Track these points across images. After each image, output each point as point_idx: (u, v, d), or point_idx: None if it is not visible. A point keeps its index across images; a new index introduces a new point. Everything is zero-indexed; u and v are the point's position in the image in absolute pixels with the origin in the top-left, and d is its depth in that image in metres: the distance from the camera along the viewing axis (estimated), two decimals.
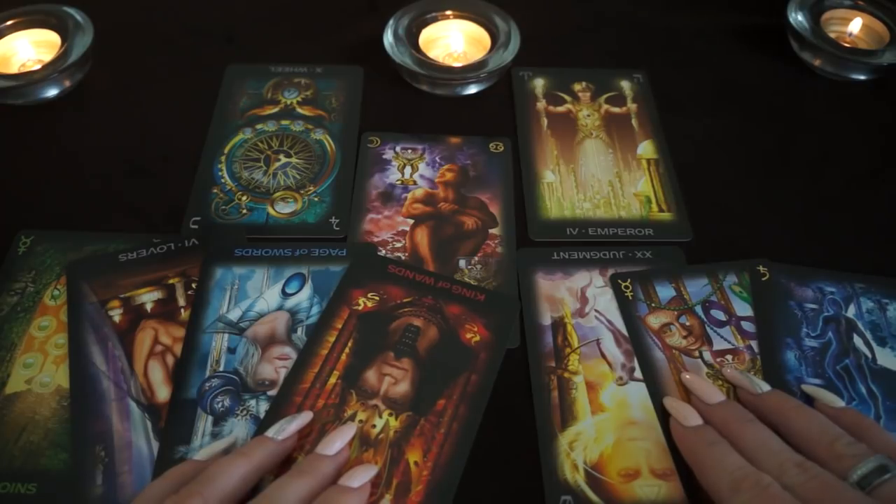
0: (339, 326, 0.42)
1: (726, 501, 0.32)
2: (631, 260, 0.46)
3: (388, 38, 0.55)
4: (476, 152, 0.52)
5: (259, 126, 0.53)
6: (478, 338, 0.41)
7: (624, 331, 0.42)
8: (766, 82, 0.58)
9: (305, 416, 0.37)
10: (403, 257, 0.46)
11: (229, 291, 0.43)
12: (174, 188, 0.49)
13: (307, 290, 0.43)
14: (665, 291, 0.44)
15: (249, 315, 0.42)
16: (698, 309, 0.43)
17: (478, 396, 0.39)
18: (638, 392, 0.40)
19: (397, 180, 0.50)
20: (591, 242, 0.47)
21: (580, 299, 0.44)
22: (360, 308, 0.43)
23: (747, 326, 0.43)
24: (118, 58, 0.57)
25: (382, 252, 0.46)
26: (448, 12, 0.58)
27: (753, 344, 0.42)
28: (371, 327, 0.42)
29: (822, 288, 0.44)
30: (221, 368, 0.40)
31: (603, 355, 0.42)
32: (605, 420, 0.39)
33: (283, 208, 0.48)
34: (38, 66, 0.54)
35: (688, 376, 0.40)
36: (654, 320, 0.43)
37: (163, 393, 0.39)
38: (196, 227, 0.47)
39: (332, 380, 0.40)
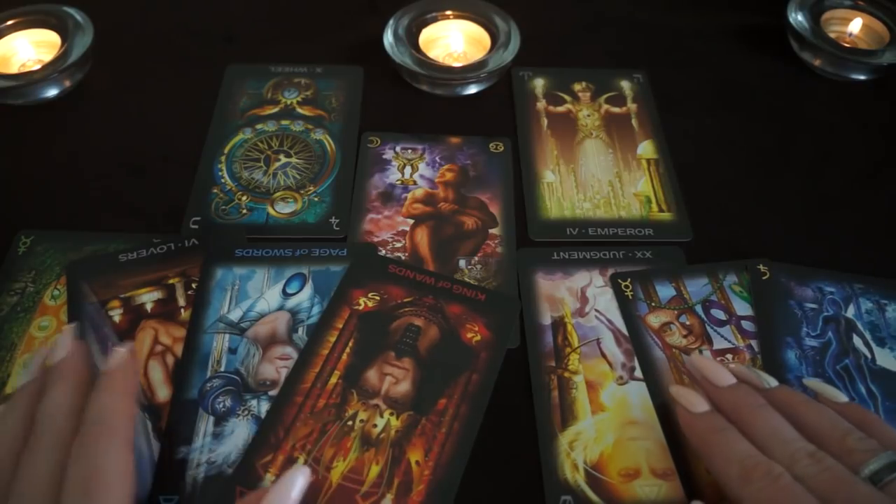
0: (340, 326, 0.42)
1: (736, 490, 0.32)
2: (631, 260, 0.46)
3: (388, 38, 0.55)
4: (476, 152, 0.52)
5: (259, 126, 0.53)
6: (478, 337, 0.42)
7: (624, 330, 0.43)
8: (766, 82, 0.58)
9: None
10: (403, 257, 0.46)
11: (230, 292, 0.43)
12: (174, 188, 0.49)
13: (308, 290, 0.44)
14: (665, 291, 0.44)
15: (250, 315, 0.42)
16: (698, 308, 0.43)
17: (479, 396, 0.39)
18: (638, 391, 0.40)
19: (397, 180, 0.50)
20: (591, 242, 0.47)
21: (580, 299, 0.44)
22: (360, 308, 0.43)
23: (747, 326, 0.43)
24: (118, 58, 0.57)
25: (382, 252, 0.46)
26: (448, 12, 0.58)
27: (753, 343, 0.42)
28: (372, 327, 0.42)
29: (822, 288, 0.44)
30: (222, 369, 0.40)
31: (603, 355, 0.42)
32: (605, 420, 0.39)
33: (283, 208, 0.48)
34: (38, 66, 0.54)
35: (695, 358, 0.38)
36: (655, 320, 0.43)
37: (163, 393, 0.39)
38: (196, 226, 0.47)
39: (333, 379, 0.40)
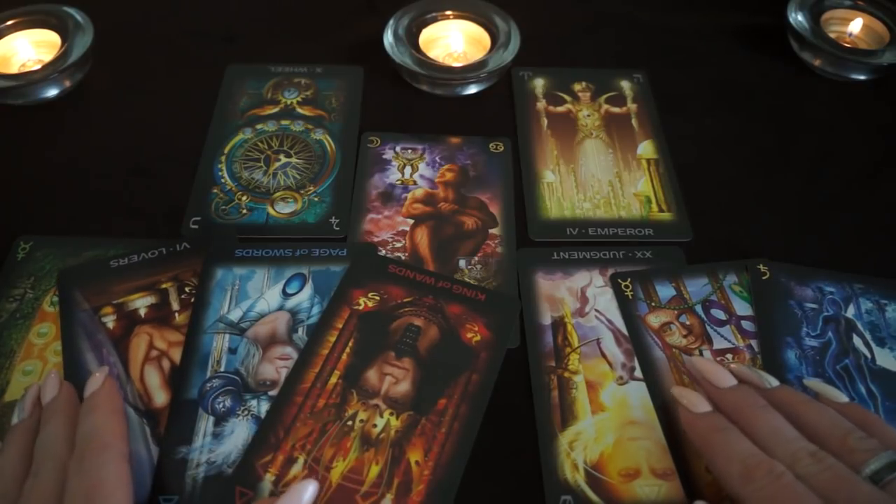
0: (340, 326, 0.42)
1: (737, 489, 0.32)
2: (631, 260, 0.46)
3: (388, 38, 0.55)
4: (476, 152, 0.52)
5: (259, 126, 0.53)
6: (478, 337, 0.42)
7: (624, 330, 0.43)
8: (766, 82, 0.58)
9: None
10: (403, 257, 0.46)
11: (230, 292, 0.43)
12: (174, 188, 0.49)
13: (308, 291, 0.43)
14: (665, 291, 0.44)
15: (250, 315, 0.42)
16: (698, 308, 0.43)
17: (479, 396, 0.39)
18: (638, 391, 0.40)
19: (397, 180, 0.50)
20: (591, 242, 0.47)
21: (580, 299, 0.44)
22: (360, 308, 0.43)
23: (747, 326, 0.43)
24: (118, 58, 0.57)
25: (382, 252, 0.46)
26: (448, 12, 0.58)
27: (753, 343, 0.42)
28: (372, 327, 0.42)
29: (822, 288, 0.44)
30: (222, 369, 0.40)
31: (603, 355, 0.42)
32: (605, 420, 0.39)
33: (283, 208, 0.48)
34: (38, 66, 0.54)
35: (696, 359, 0.39)
36: (655, 319, 0.43)
37: (160, 398, 0.39)
38: (196, 227, 0.47)
39: (333, 379, 0.40)
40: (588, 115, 0.55)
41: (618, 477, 0.37)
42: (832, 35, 0.58)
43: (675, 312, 0.43)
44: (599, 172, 0.51)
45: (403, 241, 0.47)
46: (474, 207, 0.49)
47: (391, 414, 0.39)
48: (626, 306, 0.43)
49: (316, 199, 0.49)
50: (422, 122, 0.54)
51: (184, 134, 0.52)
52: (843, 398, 0.36)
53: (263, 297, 0.43)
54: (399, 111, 0.55)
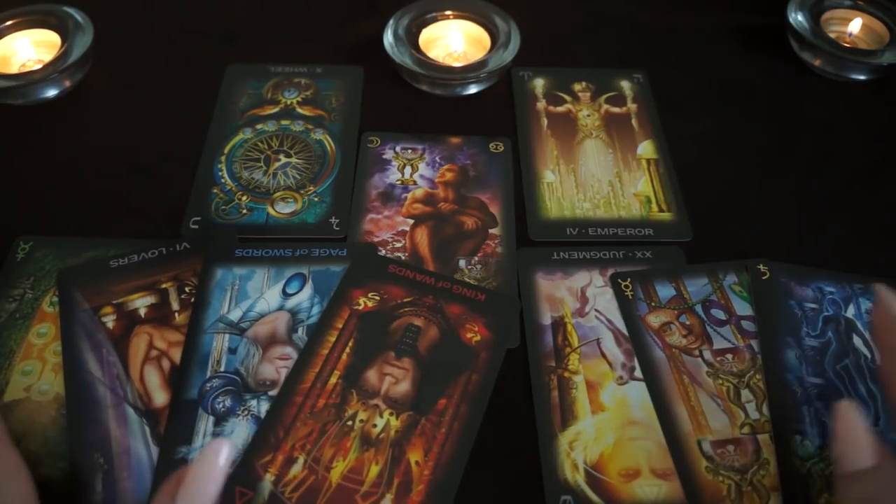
0: (340, 326, 0.42)
1: None
2: (631, 260, 0.46)
3: (388, 38, 0.55)
4: (476, 152, 0.52)
5: (259, 126, 0.53)
6: (478, 337, 0.42)
7: (624, 330, 0.43)
8: (766, 82, 0.58)
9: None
10: (403, 257, 0.46)
11: (230, 292, 0.43)
12: (174, 188, 0.49)
13: (308, 290, 0.43)
14: (665, 291, 0.44)
15: (250, 315, 0.42)
16: (698, 308, 0.43)
17: (479, 396, 0.39)
18: (638, 391, 0.40)
19: (397, 180, 0.50)
20: (591, 242, 0.47)
21: (580, 299, 0.44)
22: (360, 308, 0.43)
23: (747, 325, 0.43)
24: (118, 58, 0.57)
25: (382, 252, 0.46)
26: (448, 12, 0.58)
27: (754, 343, 0.42)
28: (372, 327, 0.42)
29: (822, 288, 0.44)
30: (222, 369, 0.40)
31: (603, 355, 0.42)
32: (605, 420, 0.39)
33: (283, 208, 0.48)
34: (38, 66, 0.54)
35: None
36: (655, 319, 0.43)
37: (160, 398, 0.39)
38: (196, 227, 0.47)
39: (333, 379, 0.40)
40: (588, 115, 0.55)
41: (618, 477, 0.37)
42: (832, 35, 0.58)
43: (675, 312, 0.43)
44: (599, 172, 0.51)
45: (403, 241, 0.47)
46: (474, 207, 0.49)
47: (391, 414, 0.39)
48: (626, 306, 0.43)
49: (316, 199, 0.49)
50: (422, 122, 0.54)
51: (184, 134, 0.52)
52: None
53: (263, 297, 0.43)
54: (399, 111, 0.55)
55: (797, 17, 0.58)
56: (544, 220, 0.48)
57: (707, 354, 0.41)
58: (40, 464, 0.37)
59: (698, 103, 0.56)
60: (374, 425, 0.38)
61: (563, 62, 0.58)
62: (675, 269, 0.45)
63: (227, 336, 0.42)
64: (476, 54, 0.57)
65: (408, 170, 0.51)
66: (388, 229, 0.47)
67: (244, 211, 0.48)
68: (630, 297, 0.44)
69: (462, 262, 0.46)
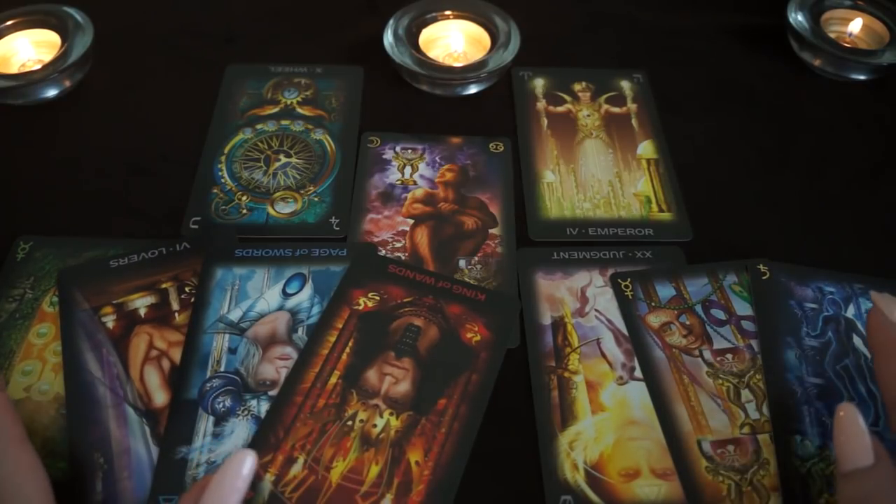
0: (340, 326, 0.42)
1: None
2: (631, 260, 0.46)
3: (388, 38, 0.55)
4: (476, 152, 0.52)
5: (259, 126, 0.53)
6: (478, 337, 0.42)
7: (624, 330, 0.43)
8: (766, 82, 0.58)
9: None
10: (403, 257, 0.46)
11: (230, 292, 0.43)
12: (174, 188, 0.49)
13: (308, 290, 0.43)
14: (665, 291, 0.44)
15: (250, 315, 0.42)
16: (698, 308, 0.43)
17: (478, 396, 0.39)
18: (638, 391, 0.40)
19: (397, 180, 0.50)
20: (591, 242, 0.47)
21: (580, 299, 0.44)
22: (360, 308, 0.43)
23: (747, 325, 0.43)
24: (118, 58, 0.57)
25: (382, 252, 0.46)
26: (448, 12, 0.58)
27: (754, 343, 0.42)
28: (372, 327, 0.42)
29: (822, 288, 0.44)
30: (222, 369, 0.40)
31: (603, 355, 0.42)
32: (605, 420, 0.39)
33: (283, 208, 0.48)
34: (38, 66, 0.54)
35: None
36: (655, 319, 0.43)
37: (160, 398, 0.39)
38: (196, 227, 0.47)
39: (333, 379, 0.40)
40: (588, 115, 0.55)
41: (618, 477, 0.37)
42: (832, 35, 0.58)
43: (675, 312, 0.43)
44: (599, 172, 0.51)
45: (403, 241, 0.47)
46: (474, 207, 0.49)
47: (391, 414, 0.39)
48: (626, 306, 0.43)
49: (316, 199, 0.49)
50: (422, 122, 0.54)
51: (184, 134, 0.52)
52: None
53: (263, 297, 0.43)
54: (399, 111, 0.55)
55: (797, 17, 0.58)
56: (544, 220, 0.48)
57: (707, 354, 0.41)
58: None
59: (698, 103, 0.56)
60: (374, 425, 0.38)
61: (563, 62, 0.59)
62: (675, 269, 0.45)
63: (227, 336, 0.42)
64: (476, 54, 0.57)
65: (408, 170, 0.51)
66: (388, 229, 0.47)
67: (244, 211, 0.48)
68: (630, 297, 0.44)
69: (462, 262, 0.46)
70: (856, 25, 0.59)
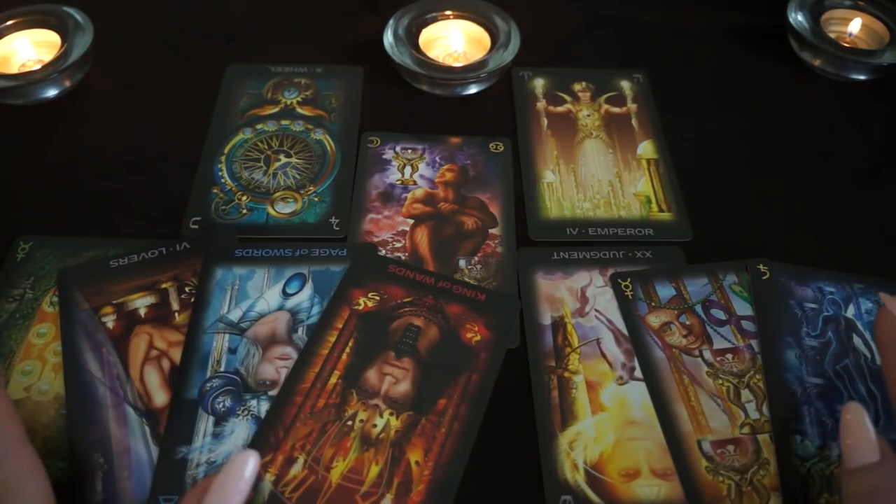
0: (340, 326, 0.42)
1: None
2: (631, 260, 0.46)
3: (388, 38, 0.55)
4: (476, 152, 0.52)
5: (259, 126, 0.53)
6: (478, 337, 0.42)
7: (624, 330, 0.43)
8: (766, 82, 0.58)
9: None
10: (403, 257, 0.46)
11: (230, 292, 0.43)
12: (174, 188, 0.49)
13: (308, 290, 0.43)
14: (665, 291, 0.44)
15: (250, 315, 0.42)
16: (698, 308, 0.43)
17: (479, 396, 0.39)
18: (638, 391, 0.40)
19: (397, 180, 0.50)
20: (591, 242, 0.47)
21: (580, 299, 0.44)
22: (360, 308, 0.43)
23: (747, 325, 0.43)
24: (118, 58, 0.57)
25: (382, 252, 0.46)
26: (448, 12, 0.58)
27: (754, 343, 0.42)
28: (372, 327, 0.42)
29: (822, 288, 0.44)
30: (222, 369, 0.40)
31: (603, 355, 0.42)
32: (605, 420, 0.39)
33: (283, 208, 0.48)
34: (38, 66, 0.54)
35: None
36: (655, 319, 0.43)
37: (160, 398, 0.39)
38: (196, 227, 0.47)
39: (333, 379, 0.40)
40: (588, 115, 0.55)
41: (618, 477, 0.37)
42: (832, 35, 0.58)
43: (675, 312, 0.43)
44: (599, 172, 0.51)
45: (403, 241, 0.47)
46: (474, 207, 0.49)
47: (391, 414, 0.39)
48: (626, 306, 0.43)
49: (316, 199, 0.49)
50: (422, 122, 0.54)
51: (184, 134, 0.52)
52: None
53: (263, 297, 0.43)
54: (399, 111, 0.55)
55: (797, 17, 0.58)
56: (544, 220, 0.48)
57: (707, 354, 0.41)
58: None
59: (698, 103, 0.56)
60: (374, 425, 0.38)
61: (563, 62, 0.59)
62: (675, 269, 0.45)
63: (227, 336, 0.42)
64: (476, 54, 0.57)
65: (408, 170, 0.51)
66: (388, 229, 0.47)
67: (244, 211, 0.48)
68: (630, 297, 0.44)
69: (462, 262, 0.46)
70: (856, 25, 0.59)
